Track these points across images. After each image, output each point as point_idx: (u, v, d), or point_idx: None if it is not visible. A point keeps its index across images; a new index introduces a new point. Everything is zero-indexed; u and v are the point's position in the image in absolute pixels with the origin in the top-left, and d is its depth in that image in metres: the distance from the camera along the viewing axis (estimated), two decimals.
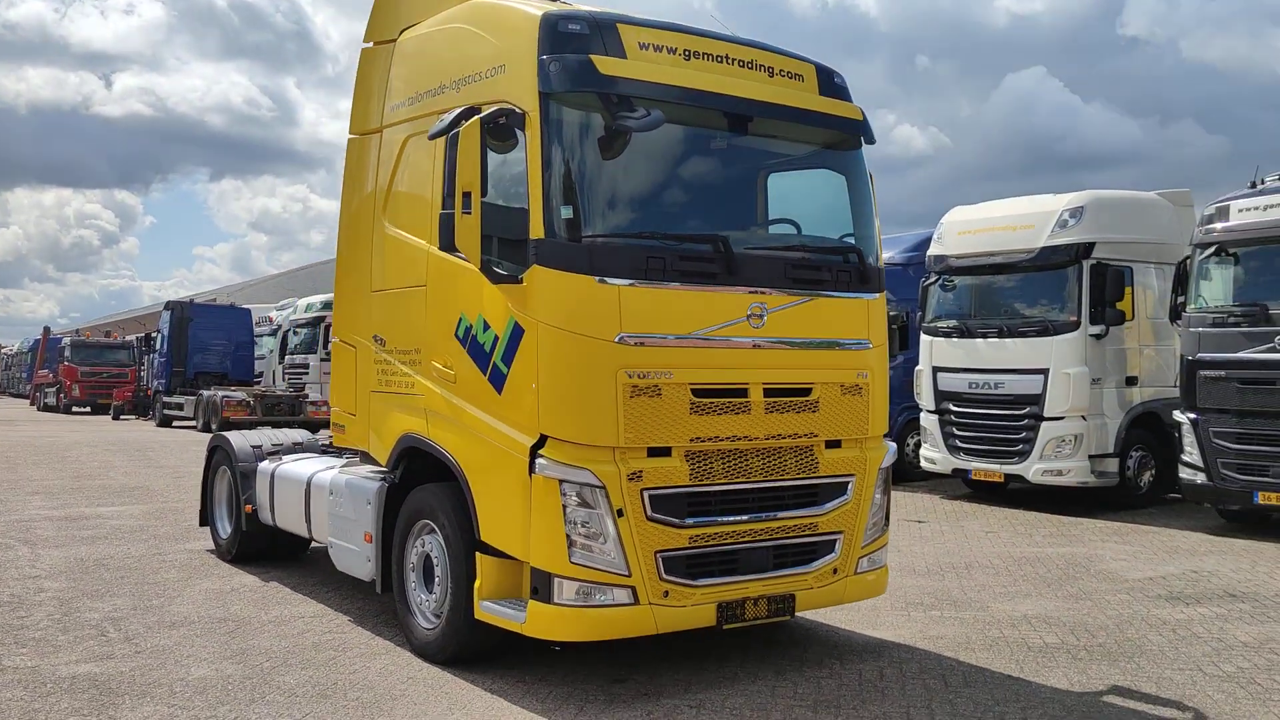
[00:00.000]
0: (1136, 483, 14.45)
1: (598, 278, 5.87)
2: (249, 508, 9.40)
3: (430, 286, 6.75)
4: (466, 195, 5.94)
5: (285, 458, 9.32)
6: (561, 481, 5.80)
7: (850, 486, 6.74)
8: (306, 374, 33.80)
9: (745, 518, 6.30)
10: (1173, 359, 14.92)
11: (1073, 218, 14.23)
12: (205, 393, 29.80)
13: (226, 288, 71.65)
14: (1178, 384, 13.29)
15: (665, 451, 6.04)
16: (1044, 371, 14.09)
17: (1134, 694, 6.23)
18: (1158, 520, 13.31)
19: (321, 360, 32.92)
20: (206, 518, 10.40)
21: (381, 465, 7.33)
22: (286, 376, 34.91)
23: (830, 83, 7.03)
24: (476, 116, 6.00)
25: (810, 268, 6.66)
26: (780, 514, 6.43)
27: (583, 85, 5.98)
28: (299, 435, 10.09)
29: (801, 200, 7.26)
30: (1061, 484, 14.05)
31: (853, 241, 7.01)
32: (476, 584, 6.24)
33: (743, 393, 6.28)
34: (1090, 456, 13.93)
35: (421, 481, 6.97)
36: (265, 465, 9.32)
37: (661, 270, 6.04)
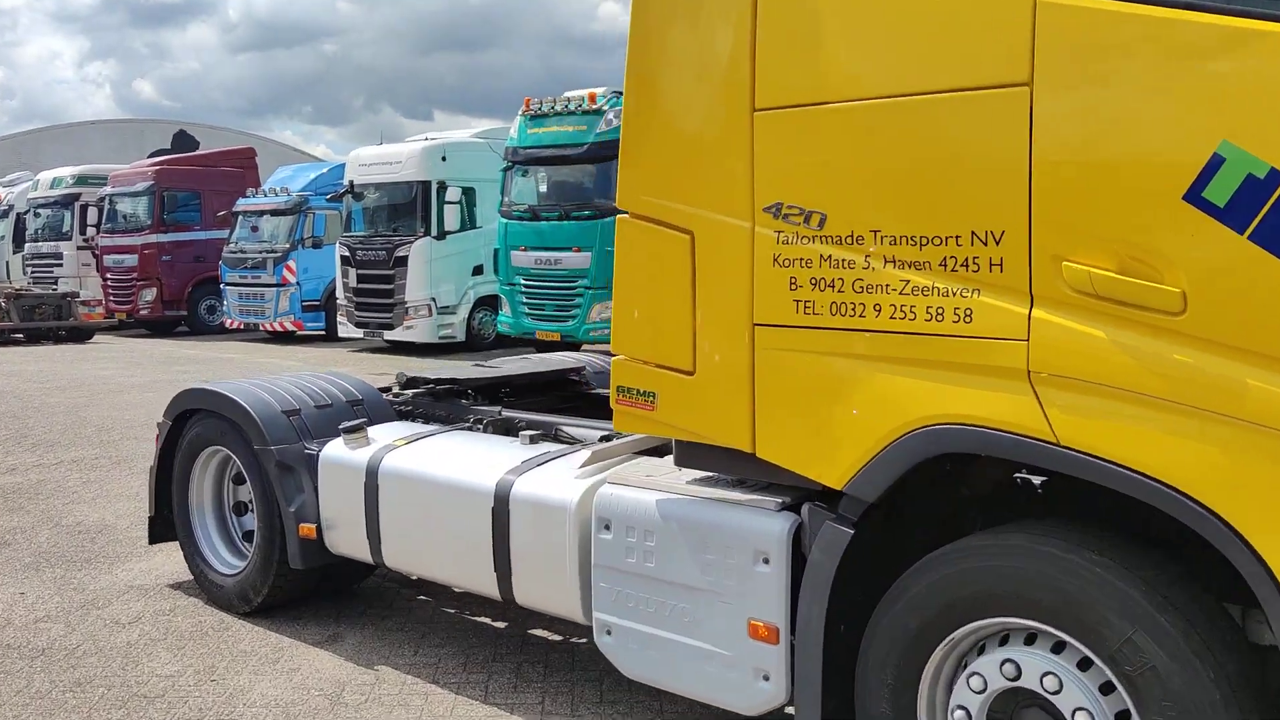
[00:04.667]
0: None
1: None
2: (306, 529, 5.13)
3: (1045, 85, 2.85)
4: None
5: (376, 435, 5.09)
6: None
7: None
8: (60, 265, 27.33)
9: None
10: None
11: None
12: None
13: None
14: None
15: None
16: None
17: None
18: None
19: (81, 247, 26.67)
20: (166, 532, 5.99)
21: (809, 480, 3.43)
22: (29, 270, 28.20)
23: None
24: None
25: None
26: None
27: None
28: (342, 381, 5.78)
29: None
30: None
31: None
32: None
33: None
34: None
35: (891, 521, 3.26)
36: (339, 453, 5.05)
37: None
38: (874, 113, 3.19)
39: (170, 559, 6.37)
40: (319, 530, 5.12)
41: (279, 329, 22.59)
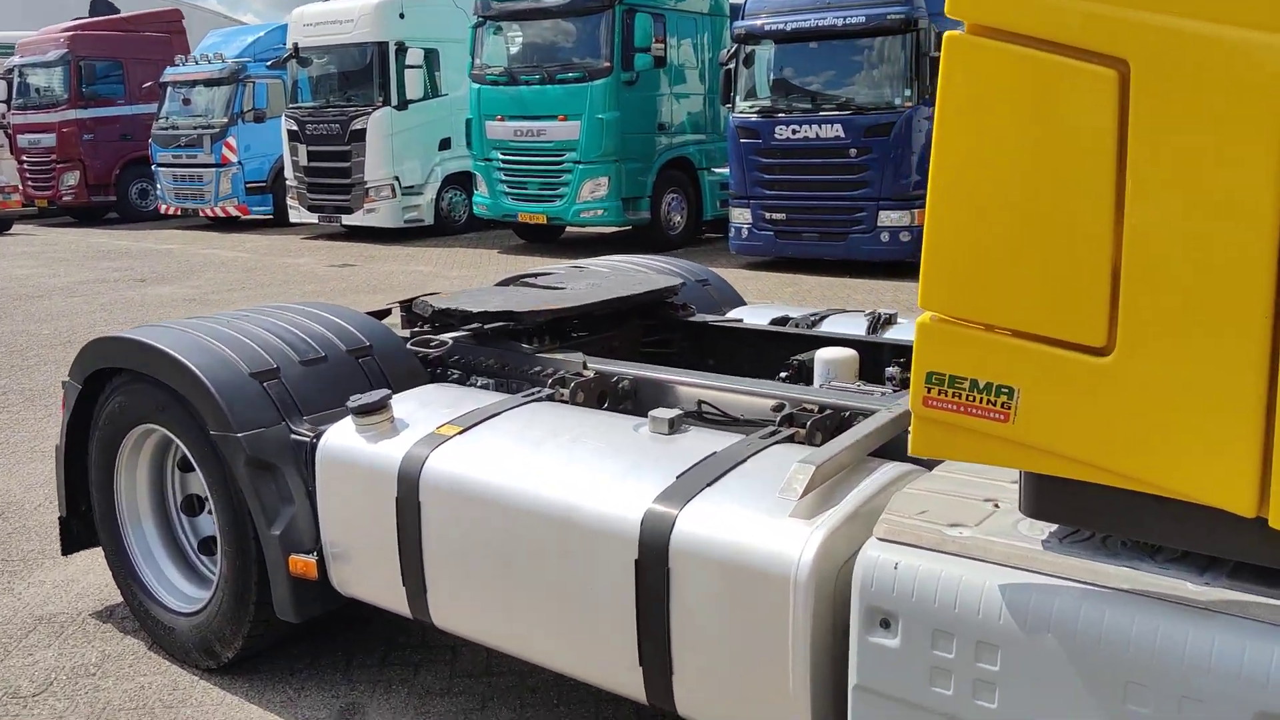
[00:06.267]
0: None
1: None
2: (301, 563, 3.28)
3: None
4: None
5: (405, 412, 3.21)
6: None
7: None
8: None
9: None
10: None
11: None
12: None
13: None
14: None
15: None
16: None
17: None
18: None
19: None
20: (86, 537, 4.13)
21: None
22: None
23: None
24: None
25: None
26: None
27: None
28: (334, 316, 3.85)
29: None
30: None
31: None
32: None
33: None
34: None
35: None
36: (350, 443, 3.18)
37: None
38: None
39: (96, 562, 4.53)
40: (321, 563, 3.28)
41: (221, 214, 20.24)
